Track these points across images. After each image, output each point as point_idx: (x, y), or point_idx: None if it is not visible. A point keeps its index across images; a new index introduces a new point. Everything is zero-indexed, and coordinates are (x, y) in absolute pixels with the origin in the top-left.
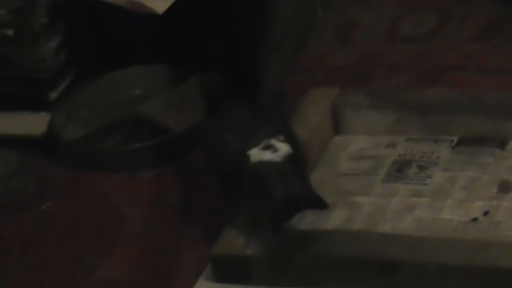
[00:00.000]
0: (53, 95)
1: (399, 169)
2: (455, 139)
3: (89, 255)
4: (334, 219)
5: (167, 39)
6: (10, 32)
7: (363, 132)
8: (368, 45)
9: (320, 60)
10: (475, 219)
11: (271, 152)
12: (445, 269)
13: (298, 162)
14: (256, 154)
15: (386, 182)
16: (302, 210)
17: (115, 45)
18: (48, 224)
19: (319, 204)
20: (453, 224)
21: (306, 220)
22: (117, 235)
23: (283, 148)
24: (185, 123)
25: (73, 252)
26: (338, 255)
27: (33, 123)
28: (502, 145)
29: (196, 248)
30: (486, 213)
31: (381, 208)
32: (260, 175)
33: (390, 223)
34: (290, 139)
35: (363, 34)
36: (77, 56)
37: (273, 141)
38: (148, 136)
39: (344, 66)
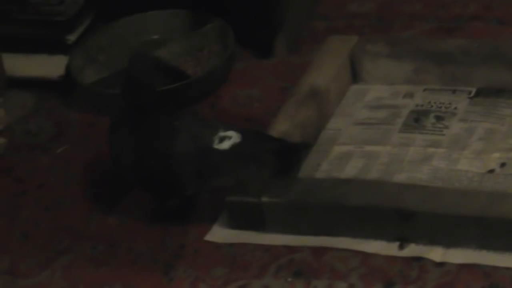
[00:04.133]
0: (71, 38)
1: (416, 119)
2: (473, 90)
3: (104, 197)
4: (350, 168)
5: None
6: None
7: (381, 81)
8: None
9: (340, 7)
10: (491, 171)
11: (228, 140)
12: (460, 219)
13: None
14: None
15: (403, 132)
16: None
17: None
18: (64, 166)
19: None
20: (469, 175)
21: (322, 169)
22: None
23: (234, 134)
24: (202, 68)
25: (89, 194)
26: (353, 204)
27: (50, 66)
28: None
29: (211, 194)
30: (503, 165)
31: (397, 158)
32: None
33: (407, 173)
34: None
35: None
36: None
37: (221, 133)
38: (165, 81)
39: (363, 14)
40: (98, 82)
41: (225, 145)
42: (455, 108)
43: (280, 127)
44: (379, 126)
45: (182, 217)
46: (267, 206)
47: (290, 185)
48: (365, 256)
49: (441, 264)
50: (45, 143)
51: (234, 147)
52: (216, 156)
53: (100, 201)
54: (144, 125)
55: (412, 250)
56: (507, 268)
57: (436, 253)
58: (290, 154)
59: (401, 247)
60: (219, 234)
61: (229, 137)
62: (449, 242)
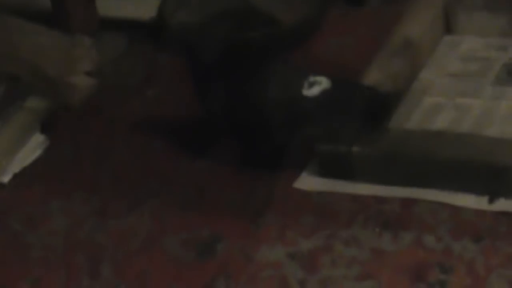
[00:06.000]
0: None
1: (510, 72)
2: None
3: (194, 142)
4: (441, 120)
5: None
6: None
7: (475, 33)
8: None
9: None
10: None
11: (318, 85)
12: None
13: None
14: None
15: (495, 85)
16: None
17: None
18: (155, 109)
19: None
20: None
21: (413, 120)
22: None
23: (324, 79)
24: (296, 15)
25: (179, 138)
26: (444, 156)
27: (142, 8)
28: None
29: (301, 142)
30: None
31: (489, 111)
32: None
33: (498, 127)
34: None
35: None
36: None
37: (311, 79)
38: (257, 27)
39: None
40: (189, 26)
41: (315, 90)
42: None
43: (372, 77)
44: (471, 79)
45: (272, 164)
46: (357, 155)
47: (381, 135)
48: (454, 209)
49: None
50: (136, 85)
51: (324, 93)
52: (306, 102)
53: (190, 146)
54: (235, 73)
55: (502, 205)
56: None
57: None
58: (382, 103)
59: (491, 201)
60: (308, 182)
61: (319, 83)
62: None
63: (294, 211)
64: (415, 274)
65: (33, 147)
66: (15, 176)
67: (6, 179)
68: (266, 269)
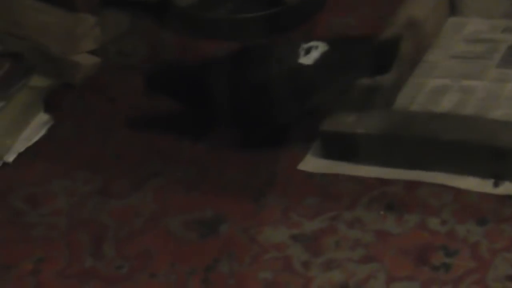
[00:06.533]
0: None
1: None
2: None
3: (196, 125)
4: (446, 102)
5: None
6: None
7: (480, 14)
8: None
9: None
10: None
11: (315, 50)
12: None
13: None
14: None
15: (500, 67)
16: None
17: None
18: None
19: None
20: None
21: (417, 101)
22: None
23: (319, 43)
24: None
25: (181, 119)
26: (448, 139)
27: None
28: None
29: (305, 124)
30: None
31: (494, 93)
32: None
33: (503, 110)
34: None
35: None
36: None
37: (305, 45)
38: (260, 6)
39: None
40: (193, 5)
41: (313, 56)
42: None
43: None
44: (476, 60)
45: (275, 144)
46: (361, 137)
47: (385, 117)
48: (459, 192)
49: None
50: (139, 64)
51: (324, 57)
52: (306, 70)
53: (193, 126)
54: (236, 56)
55: (507, 188)
56: None
57: None
58: (385, 51)
59: (495, 184)
60: (312, 163)
61: (315, 47)
62: None
63: (297, 192)
64: (419, 256)
65: (37, 126)
66: (19, 155)
67: (11, 158)
68: (270, 251)
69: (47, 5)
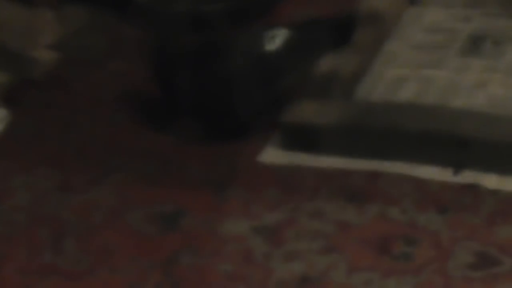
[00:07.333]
0: None
1: (474, 44)
2: None
3: (157, 117)
4: (406, 92)
5: None
6: None
7: (439, 4)
8: None
9: None
10: None
11: (279, 37)
12: None
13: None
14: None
15: (460, 56)
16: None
17: None
18: (117, 83)
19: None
20: None
21: (377, 92)
22: None
23: (281, 30)
24: None
25: (142, 112)
26: (408, 129)
27: None
28: None
29: (265, 115)
30: None
31: (454, 83)
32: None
33: (463, 99)
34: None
35: None
36: None
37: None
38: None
39: None
40: None
41: (277, 42)
42: None
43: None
44: (436, 50)
45: (235, 137)
46: (321, 128)
47: (345, 107)
48: (419, 181)
49: (496, 192)
50: (99, 58)
51: (287, 42)
52: (272, 57)
53: (153, 120)
54: (198, 47)
55: (467, 176)
56: None
57: (490, 180)
58: (343, 27)
59: (455, 173)
60: (272, 155)
61: (278, 34)
62: (504, 169)
63: (258, 184)
64: (380, 246)
65: None
66: None
67: None
68: (231, 243)
69: (5, 0)
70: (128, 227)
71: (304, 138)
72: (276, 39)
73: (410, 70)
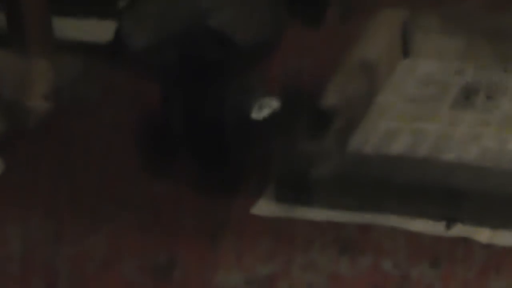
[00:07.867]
0: (121, 3)
1: (467, 97)
2: None
3: (150, 165)
4: (398, 145)
5: None
6: None
7: (432, 56)
8: None
9: None
10: None
11: (268, 108)
12: (509, 200)
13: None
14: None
15: (452, 109)
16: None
17: None
18: (111, 132)
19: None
20: None
21: (370, 144)
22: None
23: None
24: (252, 36)
25: (135, 162)
26: (401, 181)
27: (99, 31)
28: None
29: (258, 168)
30: None
31: (446, 136)
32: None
33: (455, 152)
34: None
35: None
36: None
37: (262, 101)
38: (214, 49)
39: None
40: (146, 48)
41: (264, 113)
42: (506, 87)
43: (330, 100)
44: (428, 103)
45: (229, 189)
46: (314, 180)
47: (338, 159)
48: (411, 234)
49: (488, 246)
50: (92, 108)
51: (272, 115)
52: (254, 125)
53: (146, 170)
54: (193, 95)
55: (459, 230)
56: None
57: (483, 235)
58: (320, 119)
59: (448, 227)
60: (265, 207)
61: (269, 105)
62: (497, 223)
63: (251, 236)
64: None
65: None
66: None
67: None
68: None
69: None
70: (122, 278)
71: (297, 191)
72: (265, 109)
73: (403, 123)
